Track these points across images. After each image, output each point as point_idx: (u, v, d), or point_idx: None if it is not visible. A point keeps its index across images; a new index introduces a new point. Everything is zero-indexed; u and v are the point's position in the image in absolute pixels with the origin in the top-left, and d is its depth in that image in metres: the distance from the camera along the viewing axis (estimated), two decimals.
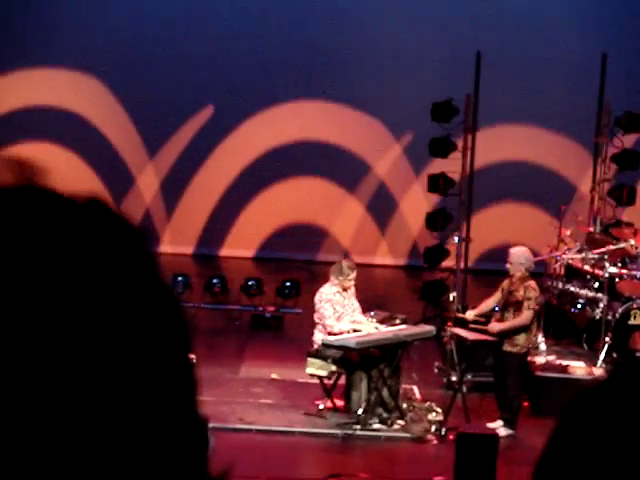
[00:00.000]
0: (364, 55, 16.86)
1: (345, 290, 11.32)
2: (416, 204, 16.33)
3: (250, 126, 17.18)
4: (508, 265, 10.84)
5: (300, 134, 17.19)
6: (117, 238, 0.85)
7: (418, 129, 15.18)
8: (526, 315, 10.69)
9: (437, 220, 13.27)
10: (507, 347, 10.76)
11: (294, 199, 17.07)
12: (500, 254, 12.48)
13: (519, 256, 10.70)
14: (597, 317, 12.44)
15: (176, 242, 16.97)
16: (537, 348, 11.41)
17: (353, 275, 11.37)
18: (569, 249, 12.85)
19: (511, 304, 10.83)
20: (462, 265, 13.64)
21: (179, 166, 17.37)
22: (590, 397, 1.13)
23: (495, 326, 10.67)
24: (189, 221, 17.27)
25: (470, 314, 11.13)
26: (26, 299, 0.78)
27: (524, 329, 10.57)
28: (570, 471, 1.08)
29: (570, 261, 12.87)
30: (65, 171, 15.12)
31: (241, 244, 17.23)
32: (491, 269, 14.51)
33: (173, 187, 17.41)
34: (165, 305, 0.86)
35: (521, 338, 10.71)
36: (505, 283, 10.99)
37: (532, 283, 10.84)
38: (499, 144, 16.31)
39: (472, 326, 11.10)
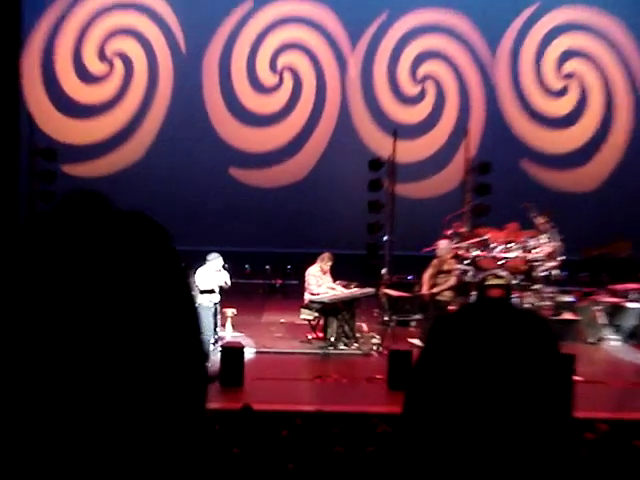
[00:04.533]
0: None
1: (324, 272, 14.41)
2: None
3: None
4: (438, 250, 14.13)
5: None
6: (150, 235, 1.03)
7: None
8: (453, 280, 14.12)
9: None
10: (439, 297, 13.91)
11: None
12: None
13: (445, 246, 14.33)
14: (467, 280, 15.18)
15: None
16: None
17: (330, 263, 14.42)
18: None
19: (443, 272, 14.05)
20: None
21: None
22: (452, 317, 1.36)
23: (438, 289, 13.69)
24: None
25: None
26: (100, 274, 0.97)
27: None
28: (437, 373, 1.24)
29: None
30: None
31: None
32: (408, 254, 16.11)
33: None
34: (180, 278, 1.05)
35: (448, 293, 14.02)
36: (435, 261, 14.12)
37: (452, 261, 14.23)
38: None
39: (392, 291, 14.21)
